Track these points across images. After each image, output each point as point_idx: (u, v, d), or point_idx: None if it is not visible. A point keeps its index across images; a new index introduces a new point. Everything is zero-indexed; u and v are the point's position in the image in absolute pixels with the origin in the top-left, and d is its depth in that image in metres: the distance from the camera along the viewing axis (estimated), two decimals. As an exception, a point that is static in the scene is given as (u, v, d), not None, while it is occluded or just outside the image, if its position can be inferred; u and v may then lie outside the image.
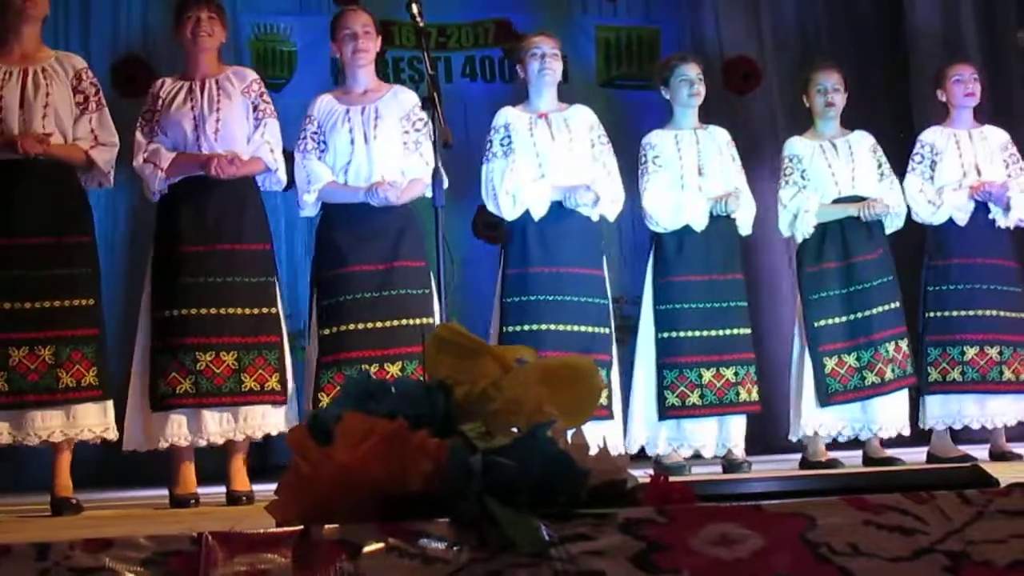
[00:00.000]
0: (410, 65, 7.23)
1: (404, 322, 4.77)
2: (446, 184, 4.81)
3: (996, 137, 5.73)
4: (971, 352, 5.51)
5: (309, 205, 4.94)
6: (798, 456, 5.82)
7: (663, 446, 5.44)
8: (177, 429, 4.57)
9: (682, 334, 5.40)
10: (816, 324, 5.51)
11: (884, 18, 7.97)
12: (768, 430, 6.44)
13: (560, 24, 7.63)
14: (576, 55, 7.82)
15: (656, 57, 7.81)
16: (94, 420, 4.46)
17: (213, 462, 4.89)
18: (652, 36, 7.96)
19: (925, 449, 5.72)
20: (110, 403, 4.55)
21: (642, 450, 5.53)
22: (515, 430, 1.71)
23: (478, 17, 7.72)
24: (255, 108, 4.81)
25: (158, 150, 4.64)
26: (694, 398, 5.36)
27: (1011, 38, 5.97)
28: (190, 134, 4.68)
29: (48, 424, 4.36)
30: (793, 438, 5.70)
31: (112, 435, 4.58)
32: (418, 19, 4.44)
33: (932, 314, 5.62)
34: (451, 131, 4.41)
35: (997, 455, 5.41)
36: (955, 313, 5.56)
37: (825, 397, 5.46)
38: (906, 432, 5.56)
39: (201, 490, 4.75)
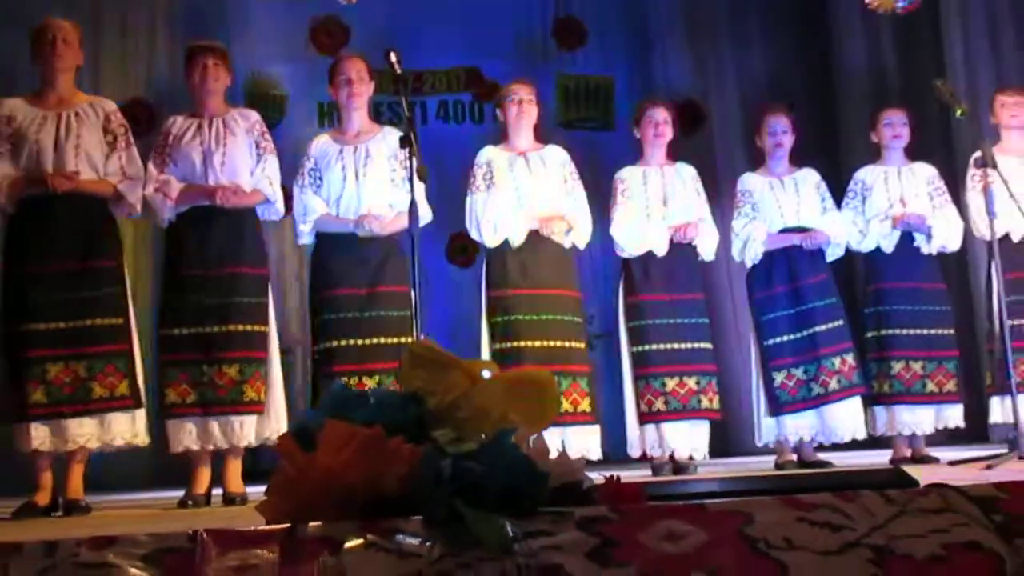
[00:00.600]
0: (390, 108, 7.22)
1: (383, 340, 4.78)
2: (430, 217, 4.83)
3: (924, 172, 5.77)
4: (897, 367, 5.56)
5: (305, 234, 4.96)
6: (754, 459, 5.85)
7: (650, 448, 5.44)
8: (187, 436, 4.58)
9: (650, 347, 5.43)
10: (766, 343, 5.55)
11: (815, 65, 8.04)
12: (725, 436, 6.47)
13: (524, 72, 7.66)
14: (540, 100, 7.89)
15: (611, 102, 7.86)
16: (125, 427, 4.43)
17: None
18: (607, 83, 7.99)
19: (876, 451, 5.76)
20: (141, 412, 4.50)
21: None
22: (482, 436, 1.71)
23: (451, 65, 7.74)
24: (257, 145, 4.81)
25: (168, 181, 4.64)
26: (659, 404, 5.39)
27: (929, 85, 6.01)
28: (199, 166, 4.68)
29: (83, 432, 4.33)
30: (759, 443, 5.71)
31: (142, 441, 4.56)
32: (396, 67, 4.45)
33: (870, 334, 5.66)
34: (427, 168, 4.41)
35: (917, 459, 5.44)
36: (884, 332, 5.61)
37: (776, 408, 5.49)
38: (860, 436, 5.58)
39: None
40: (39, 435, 4.28)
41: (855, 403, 5.50)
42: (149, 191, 4.63)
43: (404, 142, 4.30)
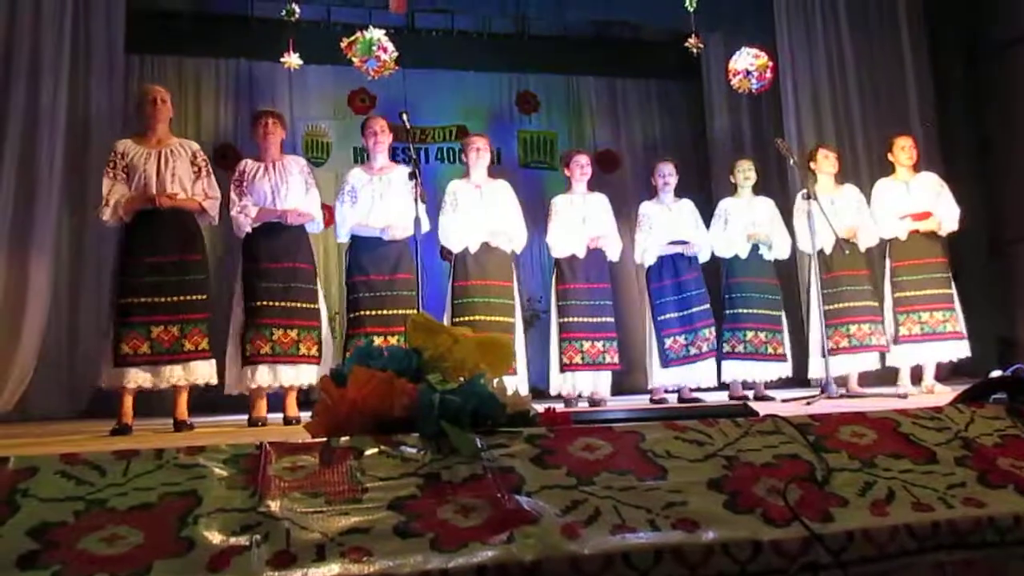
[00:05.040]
0: (403, 152, 7.17)
1: (400, 311, 4.73)
2: (427, 227, 4.76)
3: (765, 202, 5.80)
4: (749, 335, 5.59)
5: (344, 236, 4.88)
6: (646, 396, 5.86)
7: (565, 389, 5.44)
8: (259, 377, 4.49)
9: (572, 320, 5.43)
10: (659, 318, 5.56)
11: (694, 129, 8.06)
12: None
13: (495, 129, 7.66)
14: (506, 148, 7.86)
15: (555, 152, 7.84)
16: (205, 372, 4.36)
17: (276, 399, 4.78)
18: (552, 137, 7.97)
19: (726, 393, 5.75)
20: (214, 361, 4.40)
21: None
22: (461, 379, 1.71)
23: (446, 123, 7.71)
24: (306, 183, 4.73)
25: (247, 206, 4.57)
26: (577, 359, 5.39)
27: (772, 142, 6.03)
28: (270, 196, 4.60)
29: (175, 375, 4.27)
30: (650, 387, 5.70)
31: (215, 381, 4.45)
32: (407, 123, 4.42)
33: (728, 311, 5.66)
34: (426, 192, 4.39)
35: (759, 398, 5.47)
36: (737, 311, 5.62)
37: (666, 362, 5.51)
38: (713, 384, 5.60)
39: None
40: (140, 377, 4.22)
41: (711, 361, 5.57)
42: (235, 212, 4.56)
43: (411, 176, 4.29)
